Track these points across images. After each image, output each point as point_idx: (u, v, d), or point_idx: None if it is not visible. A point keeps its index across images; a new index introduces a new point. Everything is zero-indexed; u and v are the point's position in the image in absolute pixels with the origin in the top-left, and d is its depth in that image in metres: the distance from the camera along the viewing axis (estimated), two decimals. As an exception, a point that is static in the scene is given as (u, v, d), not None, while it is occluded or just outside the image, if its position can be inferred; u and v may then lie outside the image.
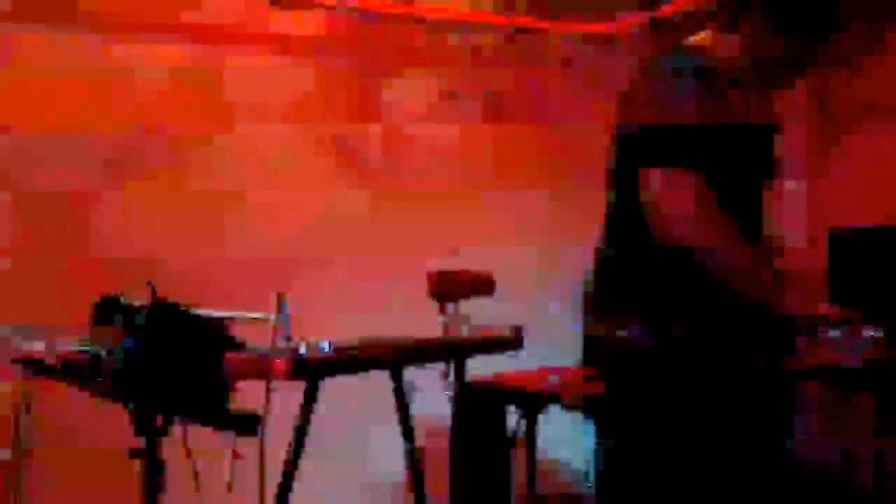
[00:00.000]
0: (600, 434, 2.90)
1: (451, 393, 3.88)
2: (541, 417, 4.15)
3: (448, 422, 3.93)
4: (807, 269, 4.49)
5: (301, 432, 3.43)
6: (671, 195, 2.55)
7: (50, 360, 2.69)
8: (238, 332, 2.70)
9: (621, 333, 2.69)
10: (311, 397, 3.44)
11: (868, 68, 4.78)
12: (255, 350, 2.85)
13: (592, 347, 2.84)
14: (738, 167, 2.71)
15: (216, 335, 2.65)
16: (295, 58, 4.64)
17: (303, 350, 3.10)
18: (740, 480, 2.69)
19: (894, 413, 3.83)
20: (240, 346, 2.72)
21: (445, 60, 4.95)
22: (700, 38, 2.82)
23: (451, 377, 3.86)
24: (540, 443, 4.18)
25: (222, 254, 4.33)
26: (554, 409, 4.08)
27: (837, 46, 2.91)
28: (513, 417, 4.22)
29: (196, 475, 2.71)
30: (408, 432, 3.81)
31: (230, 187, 4.42)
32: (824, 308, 2.75)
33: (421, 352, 3.60)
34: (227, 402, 2.61)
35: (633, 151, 2.64)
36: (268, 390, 2.75)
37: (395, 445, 3.84)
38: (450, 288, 3.85)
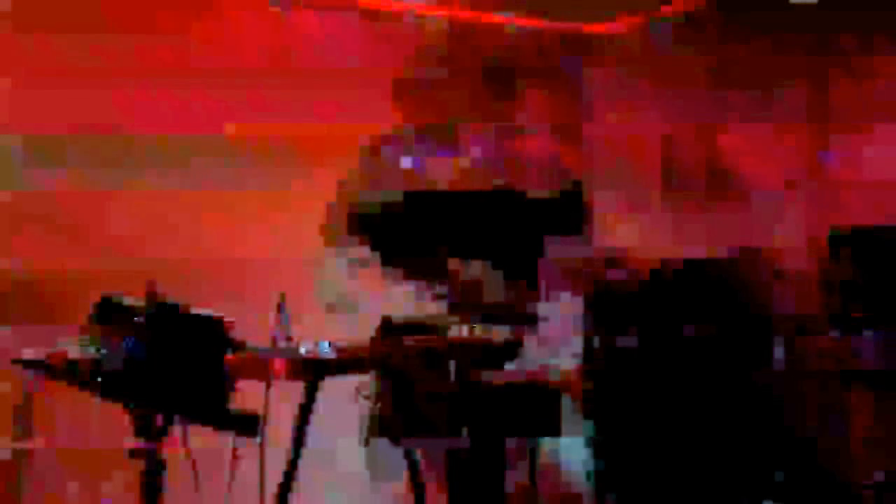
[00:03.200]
0: (598, 432, 2.93)
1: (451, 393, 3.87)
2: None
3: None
4: (807, 269, 4.48)
5: (301, 432, 3.43)
6: None
7: (50, 361, 2.69)
8: (238, 332, 2.70)
9: (621, 341, 2.73)
10: (311, 397, 3.44)
11: (868, 68, 4.78)
12: (255, 350, 2.85)
13: (592, 350, 2.86)
14: None
15: (216, 335, 2.65)
16: (295, 57, 4.64)
17: (303, 350, 3.11)
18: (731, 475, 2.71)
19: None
20: (240, 346, 2.72)
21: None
22: None
23: (452, 377, 3.86)
24: (540, 443, 4.17)
25: (222, 254, 4.33)
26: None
27: (838, 47, 2.92)
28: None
29: (196, 475, 2.71)
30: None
31: (230, 187, 4.42)
32: (823, 308, 2.76)
33: (421, 352, 3.60)
34: (227, 402, 2.61)
35: None
36: (268, 390, 2.76)
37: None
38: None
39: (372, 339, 3.24)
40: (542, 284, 3.04)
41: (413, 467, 3.82)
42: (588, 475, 4.37)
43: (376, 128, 4.78)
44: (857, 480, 4.20)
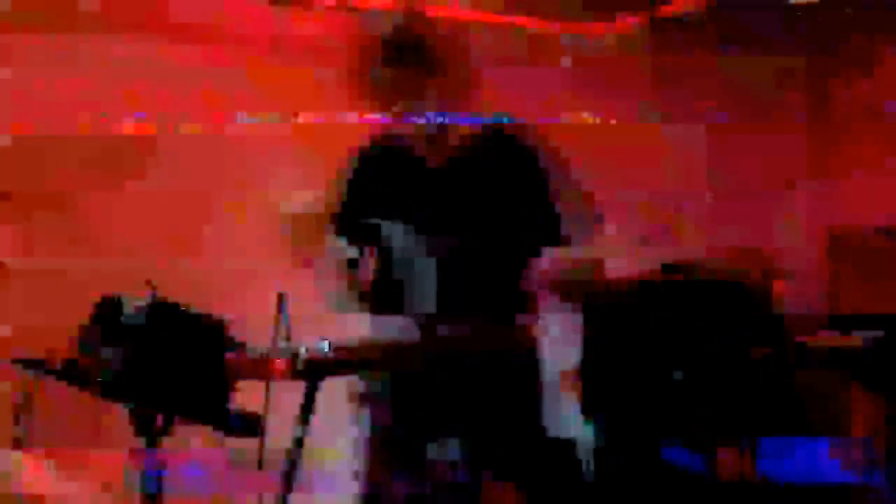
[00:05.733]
0: (598, 434, 2.93)
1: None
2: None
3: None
4: (806, 270, 4.49)
5: (301, 432, 3.43)
6: None
7: (50, 361, 2.69)
8: (238, 332, 2.70)
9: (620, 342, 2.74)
10: (311, 397, 3.43)
11: (868, 69, 4.78)
12: (255, 350, 2.85)
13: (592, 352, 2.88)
14: None
15: (216, 335, 2.65)
16: (295, 57, 4.64)
17: (303, 350, 3.10)
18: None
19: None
20: (240, 346, 2.72)
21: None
22: None
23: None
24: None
25: (223, 254, 4.33)
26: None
27: (837, 48, 2.93)
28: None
29: (198, 473, 2.72)
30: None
31: (230, 187, 4.43)
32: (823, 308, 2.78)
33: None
34: (227, 402, 2.61)
35: None
36: (267, 390, 2.76)
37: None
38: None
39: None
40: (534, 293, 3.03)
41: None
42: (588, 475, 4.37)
43: (375, 127, 4.79)
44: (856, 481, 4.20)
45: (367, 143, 3.23)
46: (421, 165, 3.12)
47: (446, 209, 3.07)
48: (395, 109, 2.98)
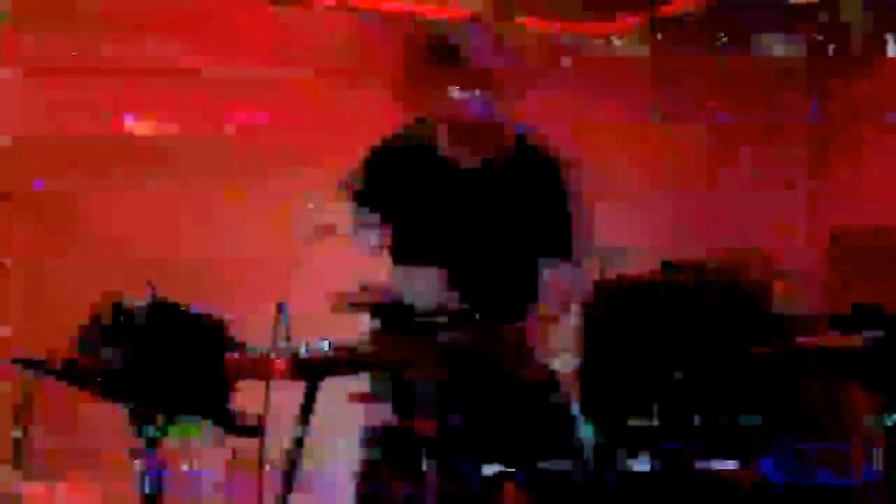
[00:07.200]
0: (598, 434, 2.94)
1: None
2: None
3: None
4: (807, 269, 4.49)
5: (301, 432, 3.43)
6: None
7: (50, 361, 2.69)
8: (238, 332, 2.70)
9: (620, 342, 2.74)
10: (311, 397, 3.43)
11: (868, 69, 4.78)
12: (255, 350, 2.85)
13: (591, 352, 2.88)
14: None
15: (216, 335, 2.65)
16: (295, 57, 4.64)
17: (303, 350, 3.10)
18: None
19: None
20: (240, 346, 2.72)
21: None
22: None
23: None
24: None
25: (223, 254, 4.33)
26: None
27: (837, 48, 2.93)
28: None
29: (196, 475, 2.72)
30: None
31: (230, 187, 4.42)
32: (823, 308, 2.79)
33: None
34: (227, 401, 2.61)
35: None
36: (267, 390, 2.76)
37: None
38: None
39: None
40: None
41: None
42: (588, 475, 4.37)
43: (376, 127, 4.79)
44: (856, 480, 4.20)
45: (385, 141, 3.25)
46: (454, 166, 3.14)
47: (478, 210, 3.10)
48: (432, 109, 3.01)
